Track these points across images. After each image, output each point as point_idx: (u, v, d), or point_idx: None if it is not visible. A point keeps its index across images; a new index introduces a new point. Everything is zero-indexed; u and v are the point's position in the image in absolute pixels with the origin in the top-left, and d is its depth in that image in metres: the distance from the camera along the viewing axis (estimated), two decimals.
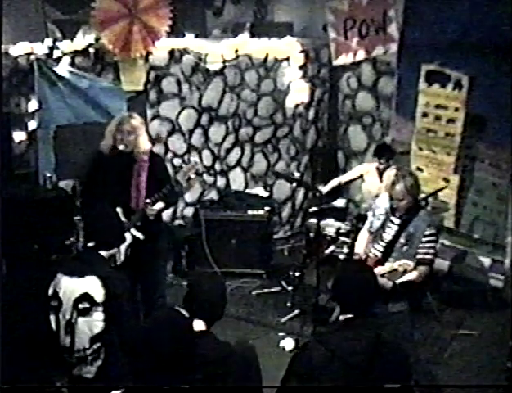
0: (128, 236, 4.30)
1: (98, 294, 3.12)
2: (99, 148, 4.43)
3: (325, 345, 2.68)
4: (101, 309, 3.12)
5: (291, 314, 5.55)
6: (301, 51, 6.98)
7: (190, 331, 2.59)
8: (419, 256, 3.98)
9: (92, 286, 3.13)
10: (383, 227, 4.17)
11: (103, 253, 3.30)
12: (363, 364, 2.62)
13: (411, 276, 3.94)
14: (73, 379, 3.23)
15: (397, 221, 4.09)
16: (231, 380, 2.65)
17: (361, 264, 3.99)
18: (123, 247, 4.31)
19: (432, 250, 4.02)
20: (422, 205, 4.27)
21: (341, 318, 2.83)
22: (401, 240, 4.04)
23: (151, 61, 6.03)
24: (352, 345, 2.65)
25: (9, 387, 3.81)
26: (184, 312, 2.67)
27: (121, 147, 4.31)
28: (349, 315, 2.78)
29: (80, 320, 3.14)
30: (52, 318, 3.25)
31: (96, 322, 3.13)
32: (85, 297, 3.13)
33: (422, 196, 5.31)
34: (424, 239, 4.00)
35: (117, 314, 3.13)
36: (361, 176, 6.11)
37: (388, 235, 4.11)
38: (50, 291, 3.27)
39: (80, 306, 3.14)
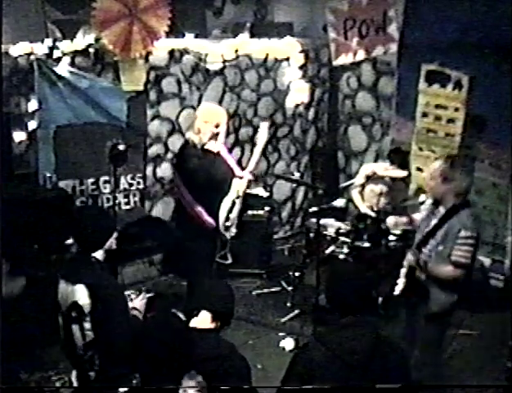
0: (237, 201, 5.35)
1: (85, 304, 3.09)
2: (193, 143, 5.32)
3: (325, 344, 2.68)
4: (88, 318, 3.09)
5: (291, 314, 5.55)
6: (301, 51, 6.98)
7: (185, 334, 2.57)
8: (453, 258, 3.76)
9: (81, 296, 3.09)
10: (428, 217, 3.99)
11: (98, 253, 3.22)
12: (363, 364, 2.61)
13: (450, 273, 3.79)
14: (79, 376, 3.23)
15: (440, 214, 3.90)
16: (230, 379, 2.65)
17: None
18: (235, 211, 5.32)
19: (467, 254, 3.75)
20: (469, 204, 3.94)
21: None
22: (438, 237, 3.85)
23: (151, 61, 6.01)
24: (352, 344, 2.64)
25: (9, 387, 3.81)
26: (181, 315, 2.65)
27: None
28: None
29: (74, 327, 3.14)
30: (58, 318, 3.26)
31: (86, 331, 3.11)
32: (75, 306, 3.11)
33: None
34: (458, 241, 3.76)
35: (105, 324, 3.07)
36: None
37: (429, 227, 3.93)
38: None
39: (73, 314, 3.13)
